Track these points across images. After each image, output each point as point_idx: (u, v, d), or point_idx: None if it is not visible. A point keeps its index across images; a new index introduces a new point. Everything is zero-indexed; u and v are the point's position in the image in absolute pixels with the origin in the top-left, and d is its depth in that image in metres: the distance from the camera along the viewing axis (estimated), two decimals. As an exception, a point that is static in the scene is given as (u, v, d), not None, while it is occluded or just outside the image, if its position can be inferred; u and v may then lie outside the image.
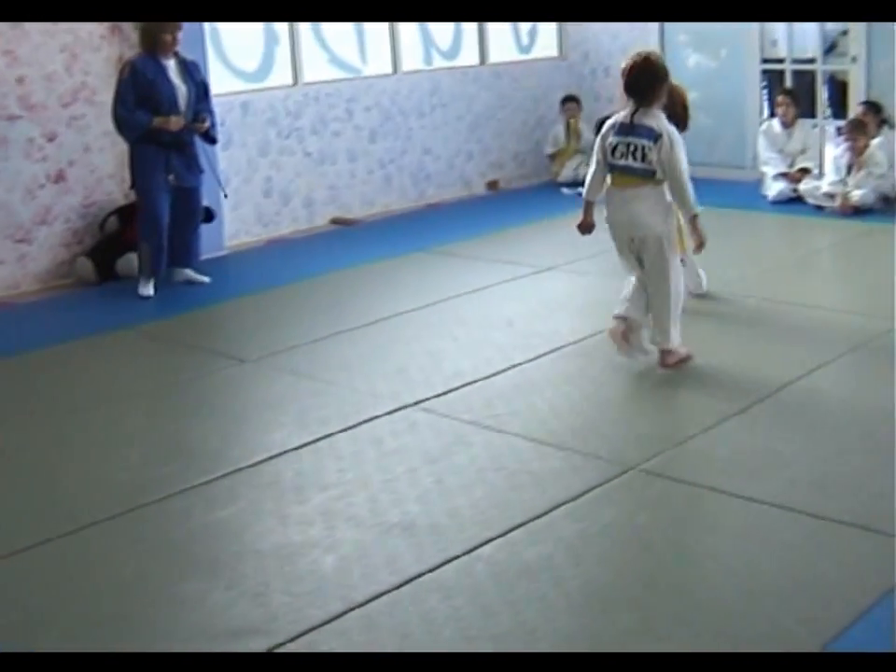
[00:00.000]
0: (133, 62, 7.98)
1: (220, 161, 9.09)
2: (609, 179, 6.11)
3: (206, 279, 8.45)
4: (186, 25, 8.08)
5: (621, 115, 6.05)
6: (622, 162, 5.99)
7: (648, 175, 5.94)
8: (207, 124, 8.16)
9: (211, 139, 8.36)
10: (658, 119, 5.95)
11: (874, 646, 3.52)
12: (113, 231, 8.73)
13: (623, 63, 6.02)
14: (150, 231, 8.13)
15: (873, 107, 9.99)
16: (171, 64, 8.04)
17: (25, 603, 4.13)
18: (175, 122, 7.94)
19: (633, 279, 6.17)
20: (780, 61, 11.04)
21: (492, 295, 7.73)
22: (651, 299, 6.11)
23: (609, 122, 6.13)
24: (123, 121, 7.98)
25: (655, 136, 5.87)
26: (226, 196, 8.86)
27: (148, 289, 8.18)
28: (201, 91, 8.21)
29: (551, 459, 5.08)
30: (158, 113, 7.91)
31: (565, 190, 11.08)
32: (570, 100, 11.82)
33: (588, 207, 6.24)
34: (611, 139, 6.01)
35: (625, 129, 5.97)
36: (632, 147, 5.93)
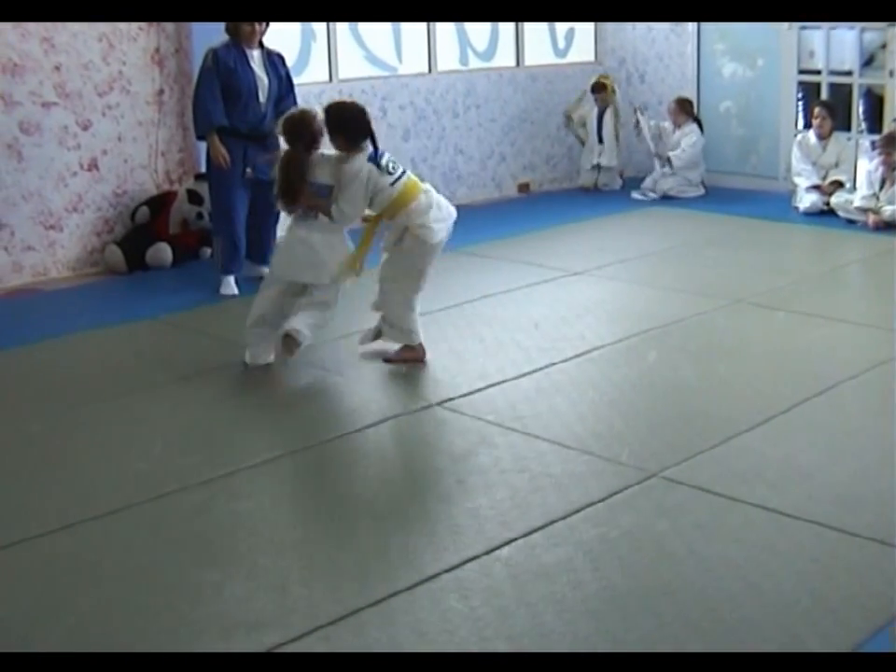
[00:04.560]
0: (216, 49, 7.76)
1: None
2: None
3: None
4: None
5: None
6: None
7: None
8: None
9: None
10: None
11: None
12: (144, 221, 8.76)
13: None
14: (223, 225, 7.97)
15: (908, 123, 9.95)
16: (255, 55, 7.86)
17: (44, 587, 4.16)
18: (224, 158, 7.75)
19: None
20: (817, 72, 10.99)
21: (519, 297, 7.73)
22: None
23: None
24: (197, 110, 7.80)
25: None
26: None
27: (230, 288, 7.96)
28: (284, 84, 8.02)
29: (573, 463, 5.08)
30: (236, 102, 7.76)
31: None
32: (601, 87, 11.71)
33: None
34: None
35: None
36: None
